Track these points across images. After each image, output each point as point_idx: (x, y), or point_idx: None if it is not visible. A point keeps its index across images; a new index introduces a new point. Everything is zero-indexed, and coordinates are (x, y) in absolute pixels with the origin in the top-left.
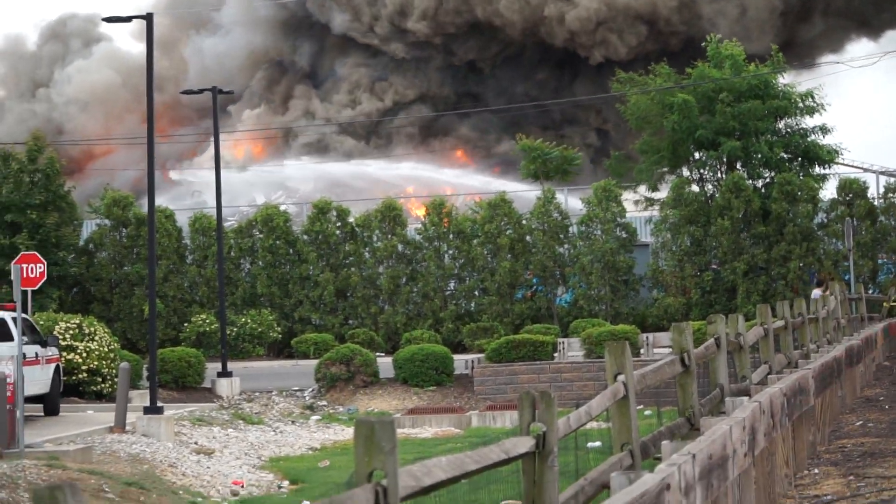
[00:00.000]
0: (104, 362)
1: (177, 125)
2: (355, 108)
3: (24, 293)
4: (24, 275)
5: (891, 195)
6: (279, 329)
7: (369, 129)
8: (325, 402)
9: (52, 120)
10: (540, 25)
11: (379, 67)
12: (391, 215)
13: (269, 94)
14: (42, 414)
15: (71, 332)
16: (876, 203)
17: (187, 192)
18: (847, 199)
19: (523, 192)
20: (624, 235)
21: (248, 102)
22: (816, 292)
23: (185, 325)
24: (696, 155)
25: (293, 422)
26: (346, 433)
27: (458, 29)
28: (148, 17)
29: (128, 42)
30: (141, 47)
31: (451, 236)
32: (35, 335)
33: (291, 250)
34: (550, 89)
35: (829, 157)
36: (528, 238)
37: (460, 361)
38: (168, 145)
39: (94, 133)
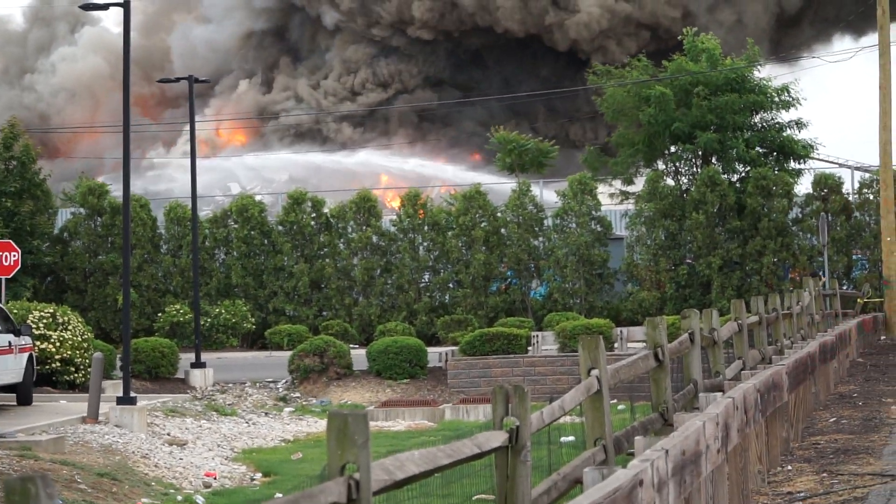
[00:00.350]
0: (77, 352)
1: (165, 107)
2: (354, 97)
3: None
4: None
5: (866, 191)
6: (253, 320)
7: (364, 114)
8: (298, 394)
9: (40, 110)
10: (543, 34)
11: (377, 50)
12: (366, 206)
13: (256, 71)
14: (15, 403)
15: (44, 321)
16: (851, 199)
17: (162, 180)
18: (822, 194)
19: (499, 185)
20: (599, 229)
21: (235, 83)
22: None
23: (159, 315)
24: (672, 148)
25: (266, 413)
26: (320, 425)
27: (462, 35)
28: (125, 5)
29: (116, 25)
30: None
31: (425, 228)
32: (8, 324)
33: (266, 241)
34: (552, 84)
35: (804, 152)
36: (502, 231)
37: (434, 354)
38: (157, 128)
39: (83, 121)
